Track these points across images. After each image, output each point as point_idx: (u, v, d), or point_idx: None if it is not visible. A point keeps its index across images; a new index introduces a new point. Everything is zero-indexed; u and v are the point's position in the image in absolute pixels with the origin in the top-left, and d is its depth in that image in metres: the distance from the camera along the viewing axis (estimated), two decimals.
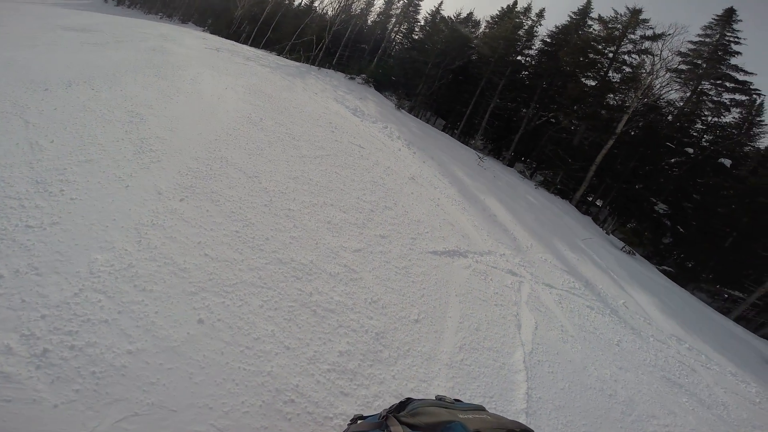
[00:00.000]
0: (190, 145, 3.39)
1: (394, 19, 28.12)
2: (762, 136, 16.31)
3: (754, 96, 16.17)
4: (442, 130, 18.90)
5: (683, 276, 13.79)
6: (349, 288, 2.55)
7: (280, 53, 17.99)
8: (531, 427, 1.24)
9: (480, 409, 1.10)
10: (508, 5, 22.71)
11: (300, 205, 3.29)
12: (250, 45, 19.09)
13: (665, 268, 13.75)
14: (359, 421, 1.20)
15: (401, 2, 27.15)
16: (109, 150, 2.83)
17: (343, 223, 3.37)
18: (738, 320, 12.07)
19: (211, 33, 20.33)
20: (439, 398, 1.14)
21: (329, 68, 17.63)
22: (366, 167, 5.20)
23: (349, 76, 15.97)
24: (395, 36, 28.27)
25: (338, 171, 4.51)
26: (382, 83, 18.46)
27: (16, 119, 2.84)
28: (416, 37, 26.00)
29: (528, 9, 20.90)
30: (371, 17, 29.64)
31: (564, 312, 4.02)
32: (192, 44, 8.55)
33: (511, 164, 18.87)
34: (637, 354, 3.94)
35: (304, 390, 1.71)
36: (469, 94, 20.32)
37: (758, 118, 16.31)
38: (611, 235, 13.61)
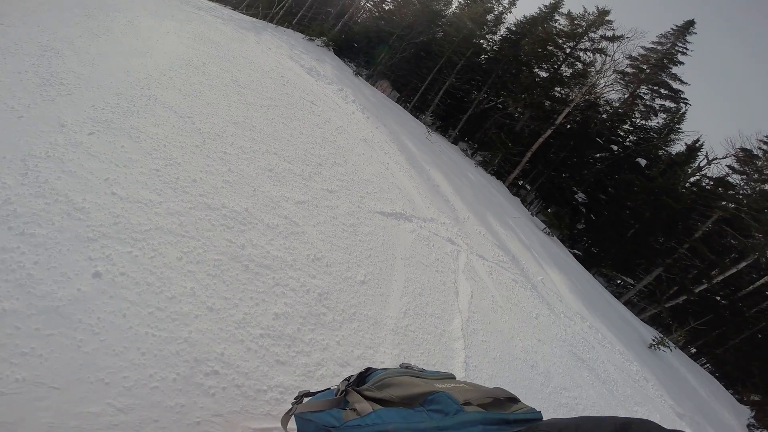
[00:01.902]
0: (114, 82, 2.82)
1: None
2: (676, 142, 18.36)
3: (681, 105, 17.97)
4: (396, 102, 18.64)
5: (589, 260, 15.55)
6: (290, 242, 2.29)
7: (236, 8, 16.03)
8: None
9: (452, 377, 0.99)
10: None
11: (238, 150, 2.90)
12: None
13: (575, 251, 15.37)
14: (306, 400, 1.00)
15: None
16: (4, 81, 2.23)
17: (286, 173, 3.06)
18: (626, 304, 14.04)
19: None
20: (406, 366, 1.00)
21: (288, 27, 16.16)
22: (317, 123, 4.88)
23: (308, 37, 14.80)
24: (365, 3, 26.51)
25: (286, 122, 4.13)
26: (342, 49, 17.48)
27: None
28: (386, 8, 24.75)
29: None
30: None
31: (494, 283, 4.20)
32: None
33: (455, 142, 19.34)
34: (551, 328, 4.28)
35: (231, 359, 1.47)
36: (428, 70, 20.08)
37: (677, 126, 18.23)
38: (535, 216, 14.79)
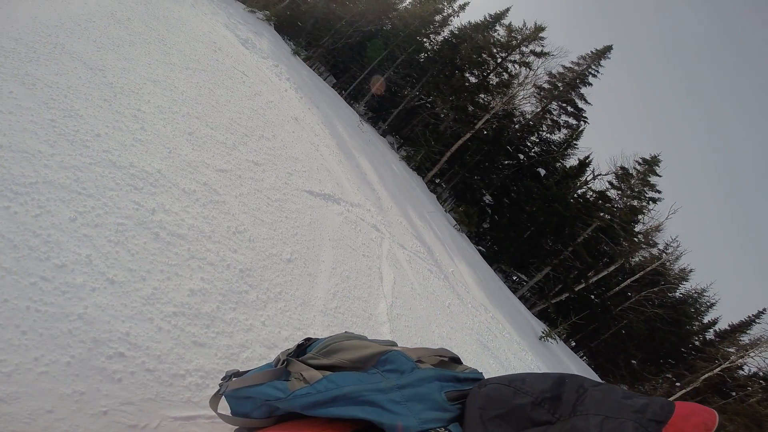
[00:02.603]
0: (14, 26, 2.28)
1: None
2: (572, 156, 20.80)
3: (581, 123, 20.26)
4: (332, 87, 18.25)
5: (490, 256, 17.22)
6: (208, 211, 2.08)
7: None
8: None
9: (394, 344, 0.98)
10: None
11: (155, 109, 2.55)
12: None
13: (480, 248, 16.89)
14: (234, 379, 0.89)
15: None
16: None
17: (208, 139, 2.80)
18: (520, 298, 15.92)
19: None
20: (349, 333, 0.96)
21: None
22: (247, 94, 4.57)
23: (250, 9, 13.64)
24: None
25: (213, 89, 3.81)
26: (284, 26, 16.62)
27: None
28: None
29: None
30: None
31: (413, 272, 4.39)
32: None
33: (384, 134, 19.69)
34: (461, 317, 4.62)
35: (139, 340, 1.26)
36: (369, 60, 19.94)
37: (575, 142, 20.63)
38: (448, 213, 15.88)
